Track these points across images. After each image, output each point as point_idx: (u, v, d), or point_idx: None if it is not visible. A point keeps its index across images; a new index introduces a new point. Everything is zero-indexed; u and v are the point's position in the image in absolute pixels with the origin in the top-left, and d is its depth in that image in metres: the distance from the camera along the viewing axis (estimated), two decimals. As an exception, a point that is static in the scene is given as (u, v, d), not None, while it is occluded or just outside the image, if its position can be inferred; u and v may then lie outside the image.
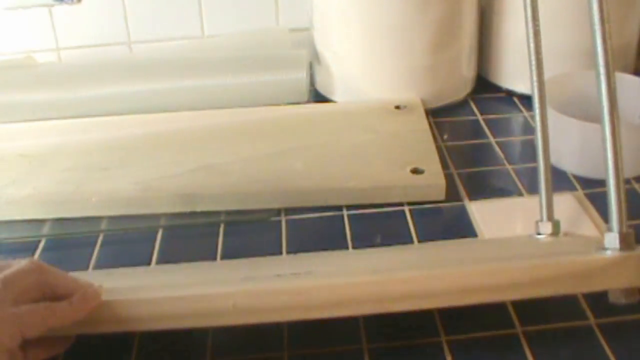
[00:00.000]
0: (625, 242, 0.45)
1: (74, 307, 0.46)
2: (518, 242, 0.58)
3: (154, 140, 0.76)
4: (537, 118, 0.57)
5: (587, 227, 0.61)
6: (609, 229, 0.46)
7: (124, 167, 0.72)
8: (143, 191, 0.68)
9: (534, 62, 0.55)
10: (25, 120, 0.82)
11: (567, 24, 0.79)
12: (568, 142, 0.69)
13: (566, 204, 0.63)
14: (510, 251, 0.54)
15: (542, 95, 0.56)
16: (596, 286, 0.46)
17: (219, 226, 0.65)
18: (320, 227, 0.65)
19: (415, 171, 0.68)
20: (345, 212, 0.66)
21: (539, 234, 0.58)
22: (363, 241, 0.62)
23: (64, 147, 0.76)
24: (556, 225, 0.57)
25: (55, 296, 0.47)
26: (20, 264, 0.46)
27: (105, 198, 0.67)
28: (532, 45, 0.54)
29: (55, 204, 0.67)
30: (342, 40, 0.82)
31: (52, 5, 0.91)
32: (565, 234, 0.58)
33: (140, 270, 0.59)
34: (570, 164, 0.70)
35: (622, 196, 0.46)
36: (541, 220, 0.58)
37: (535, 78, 0.55)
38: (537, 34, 0.55)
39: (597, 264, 0.45)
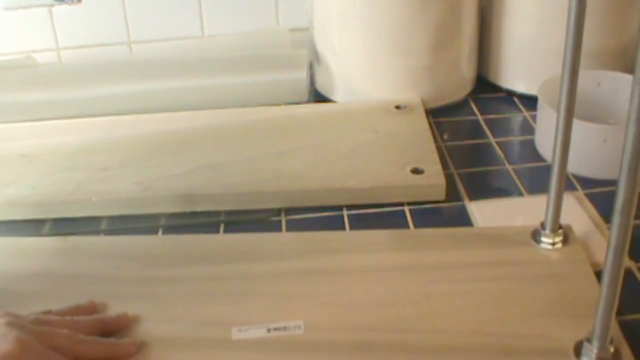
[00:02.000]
0: None
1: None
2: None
3: (154, 140, 0.76)
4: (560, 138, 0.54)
5: (587, 227, 0.61)
6: (589, 341, 0.47)
7: (124, 167, 0.72)
8: (143, 191, 0.68)
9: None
10: (25, 120, 0.82)
11: (567, 24, 0.79)
12: (568, 142, 0.69)
13: (566, 204, 0.63)
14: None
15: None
16: None
17: (219, 226, 0.65)
18: (320, 227, 0.65)
19: (415, 171, 0.68)
20: (345, 212, 0.66)
21: (539, 240, 0.58)
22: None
23: (64, 147, 0.76)
24: (558, 236, 0.57)
25: None
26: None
27: (105, 198, 0.67)
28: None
29: (55, 204, 0.67)
30: (342, 40, 0.82)
31: (52, 5, 0.90)
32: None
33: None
34: (570, 164, 0.70)
35: (612, 315, 0.45)
36: (544, 229, 0.58)
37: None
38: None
39: None
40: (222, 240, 0.63)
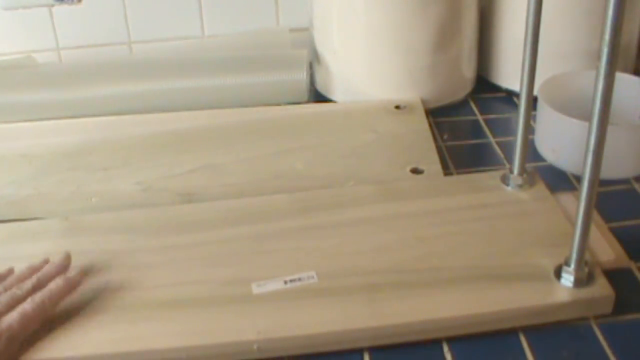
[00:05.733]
0: (579, 281, 0.53)
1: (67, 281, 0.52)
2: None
3: (154, 140, 0.77)
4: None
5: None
6: (567, 264, 0.53)
7: (125, 167, 0.72)
8: (143, 191, 0.68)
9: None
10: (25, 120, 0.82)
11: (567, 24, 0.79)
12: (568, 142, 0.69)
13: (566, 204, 0.63)
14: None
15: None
16: (547, 319, 0.52)
17: (219, 226, 0.65)
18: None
19: (415, 171, 0.68)
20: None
21: (508, 183, 0.64)
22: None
23: (64, 147, 0.76)
24: (524, 178, 0.64)
25: None
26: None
27: (105, 198, 0.67)
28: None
29: (55, 204, 0.67)
30: (342, 40, 0.82)
31: (52, 5, 0.91)
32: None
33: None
34: (570, 164, 0.70)
35: (586, 241, 0.52)
36: (512, 172, 0.64)
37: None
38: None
39: (549, 306, 0.52)
40: (222, 206, 0.64)
